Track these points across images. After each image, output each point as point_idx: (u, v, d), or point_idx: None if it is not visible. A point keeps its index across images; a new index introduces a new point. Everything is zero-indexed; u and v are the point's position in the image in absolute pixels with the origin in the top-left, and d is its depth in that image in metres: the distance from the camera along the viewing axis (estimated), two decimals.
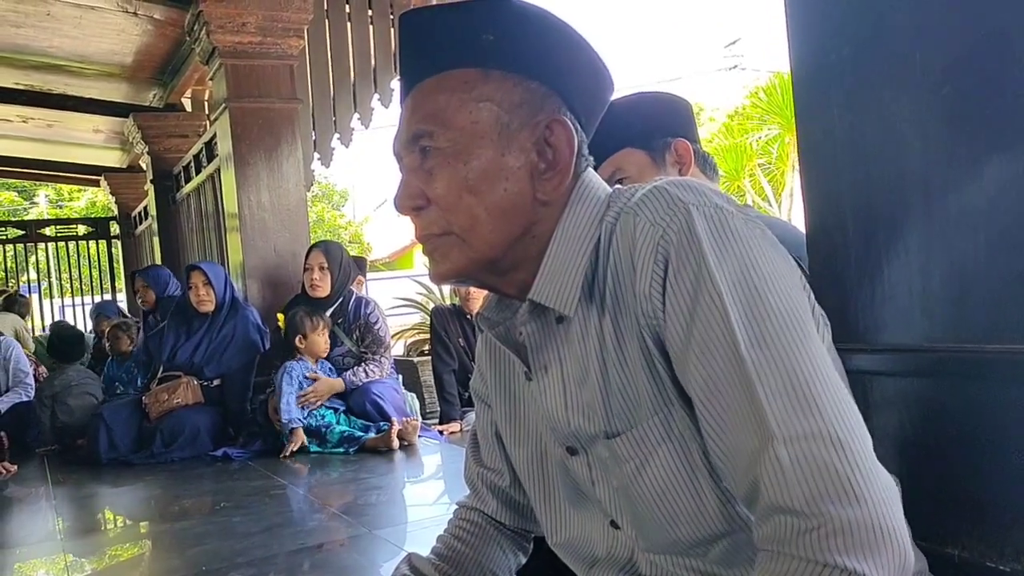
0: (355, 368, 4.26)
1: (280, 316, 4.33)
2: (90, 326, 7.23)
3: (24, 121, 7.44)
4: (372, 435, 3.90)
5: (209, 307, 4.47)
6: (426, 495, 3.23)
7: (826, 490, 0.71)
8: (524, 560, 1.17)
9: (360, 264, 5.32)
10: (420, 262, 26.06)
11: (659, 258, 0.81)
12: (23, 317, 7.99)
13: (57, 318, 11.30)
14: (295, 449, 3.84)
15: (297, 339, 4.11)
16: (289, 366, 4.06)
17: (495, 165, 0.89)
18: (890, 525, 0.71)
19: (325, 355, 4.24)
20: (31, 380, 5.21)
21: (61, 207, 25.23)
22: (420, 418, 4.63)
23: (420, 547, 2.31)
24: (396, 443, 3.81)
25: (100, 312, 6.68)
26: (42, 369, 5.72)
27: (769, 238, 0.84)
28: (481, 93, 0.89)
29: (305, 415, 3.98)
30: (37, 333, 9.05)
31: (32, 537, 2.96)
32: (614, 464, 0.89)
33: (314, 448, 3.90)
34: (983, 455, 1.02)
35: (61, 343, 5.25)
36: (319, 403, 4.06)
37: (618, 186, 0.96)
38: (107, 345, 5.37)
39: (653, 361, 0.84)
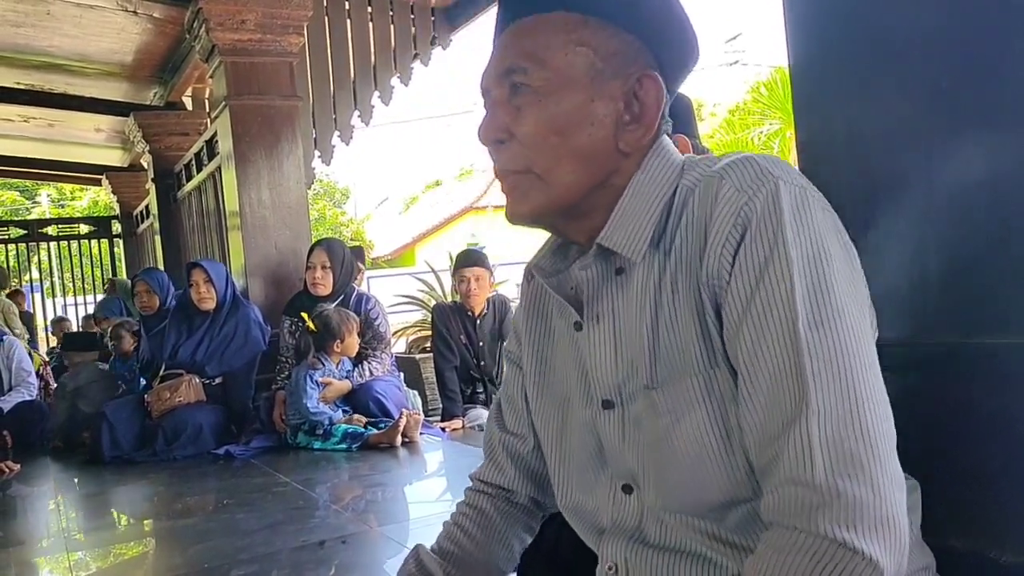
0: (358, 367, 4.27)
1: (305, 315, 4.30)
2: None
3: (25, 121, 7.45)
4: (375, 431, 3.91)
5: (210, 305, 4.47)
6: (428, 492, 3.23)
7: (844, 470, 0.74)
8: (529, 540, 1.17)
9: (358, 253, 5.32)
10: (422, 260, 26.11)
11: (738, 222, 0.83)
12: (16, 302, 8.09)
13: (59, 314, 11.35)
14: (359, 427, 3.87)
15: (335, 343, 4.10)
16: (310, 371, 4.04)
17: (583, 110, 0.90)
18: (895, 514, 0.74)
19: (355, 354, 4.24)
20: (34, 379, 5.23)
21: (63, 206, 25.25)
22: (423, 414, 4.64)
23: (422, 541, 2.33)
24: (400, 439, 3.81)
25: (102, 311, 6.66)
26: (48, 369, 5.73)
27: (841, 228, 0.86)
28: (579, 37, 0.91)
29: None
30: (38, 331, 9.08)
31: (36, 536, 2.98)
32: (650, 417, 0.90)
33: (316, 445, 3.91)
34: (982, 448, 1.02)
35: (75, 337, 5.29)
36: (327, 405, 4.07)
37: (691, 155, 0.97)
38: (110, 344, 5.37)
39: (706, 321, 0.86)
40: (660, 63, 0.94)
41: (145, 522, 3.06)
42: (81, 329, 6.76)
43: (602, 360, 0.95)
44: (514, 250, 25.63)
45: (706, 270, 0.85)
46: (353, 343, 4.17)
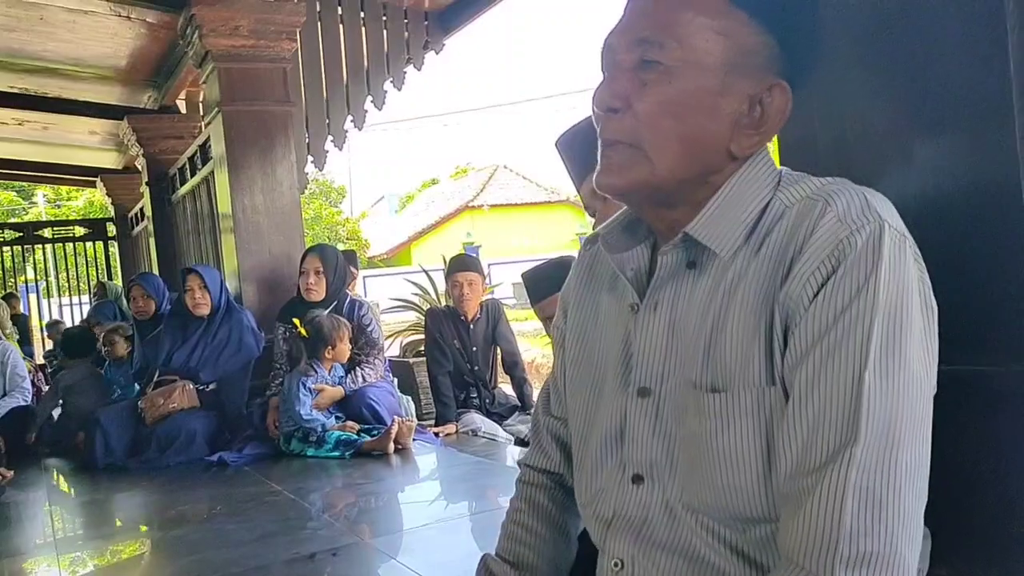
0: (351, 373, 4.28)
1: (297, 321, 4.31)
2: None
3: (19, 124, 7.45)
4: (368, 438, 3.91)
5: (205, 310, 4.48)
6: (421, 501, 3.23)
7: (870, 524, 0.76)
8: (582, 525, 1.15)
9: (351, 258, 5.33)
10: (417, 259, 26.11)
11: (834, 253, 0.82)
12: (10, 307, 8.09)
13: (54, 316, 11.36)
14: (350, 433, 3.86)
15: (327, 349, 4.11)
16: (303, 378, 4.05)
17: (708, 101, 0.89)
18: (905, 571, 0.77)
19: (346, 359, 4.25)
20: (28, 384, 5.22)
21: (59, 206, 25.24)
22: (416, 420, 4.65)
23: (413, 556, 2.35)
24: (392, 446, 3.82)
25: (96, 315, 6.64)
26: (41, 375, 5.73)
27: (927, 281, 0.86)
28: (724, 26, 0.89)
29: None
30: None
31: (28, 546, 2.98)
32: (694, 415, 0.90)
33: (310, 452, 3.91)
34: (969, 476, 1.02)
35: (71, 339, 5.29)
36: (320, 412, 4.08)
37: (789, 169, 0.97)
38: (103, 350, 5.38)
39: (772, 337, 0.86)
40: (791, 71, 0.93)
41: (136, 532, 3.08)
42: (80, 325, 6.72)
43: (652, 347, 0.95)
44: (509, 249, 25.71)
45: (787, 290, 0.84)
46: (344, 349, 4.18)
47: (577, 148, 1.78)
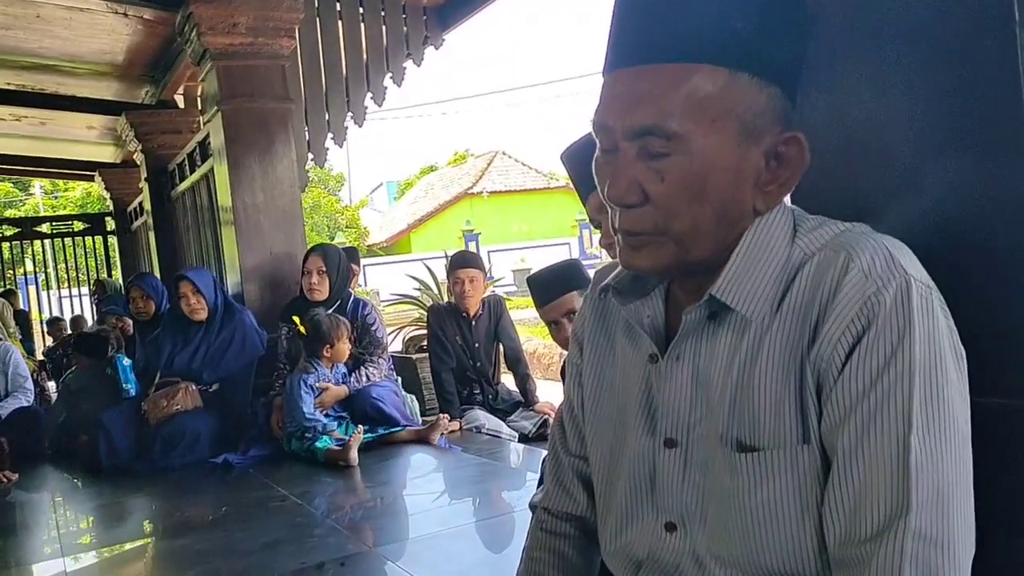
0: (355, 372, 4.27)
1: (296, 319, 4.30)
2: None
3: (17, 120, 7.41)
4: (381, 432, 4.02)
5: (202, 315, 4.46)
6: (427, 506, 3.21)
7: None
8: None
9: (351, 255, 5.32)
10: (416, 247, 26.09)
11: (863, 312, 0.81)
12: (11, 303, 8.12)
13: (58, 312, 11.36)
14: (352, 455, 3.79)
15: (324, 348, 4.10)
16: (304, 376, 4.05)
17: (729, 176, 0.86)
18: None
19: (346, 359, 4.24)
20: (30, 385, 5.21)
21: (57, 197, 25.18)
22: (419, 418, 4.65)
23: (420, 565, 2.35)
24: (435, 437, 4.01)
25: (108, 309, 6.54)
26: (44, 374, 5.72)
27: (954, 329, 0.84)
28: (730, 98, 0.84)
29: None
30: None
31: (34, 556, 2.97)
32: (724, 470, 0.88)
33: (323, 445, 3.87)
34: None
35: (86, 339, 5.24)
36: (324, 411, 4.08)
37: (797, 208, 0.94)
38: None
39: (805, 397, 0.84)
40: (792, 112, 0.90)
41: (144, 541, 3.07)
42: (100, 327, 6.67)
43: (676, 399, 0.93)
44: (508, 236, 25.68)
45: (818, 350, 0.83)
46: (344, 349, 4.16)
47: (582, 162, 1.77)
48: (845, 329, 0.81)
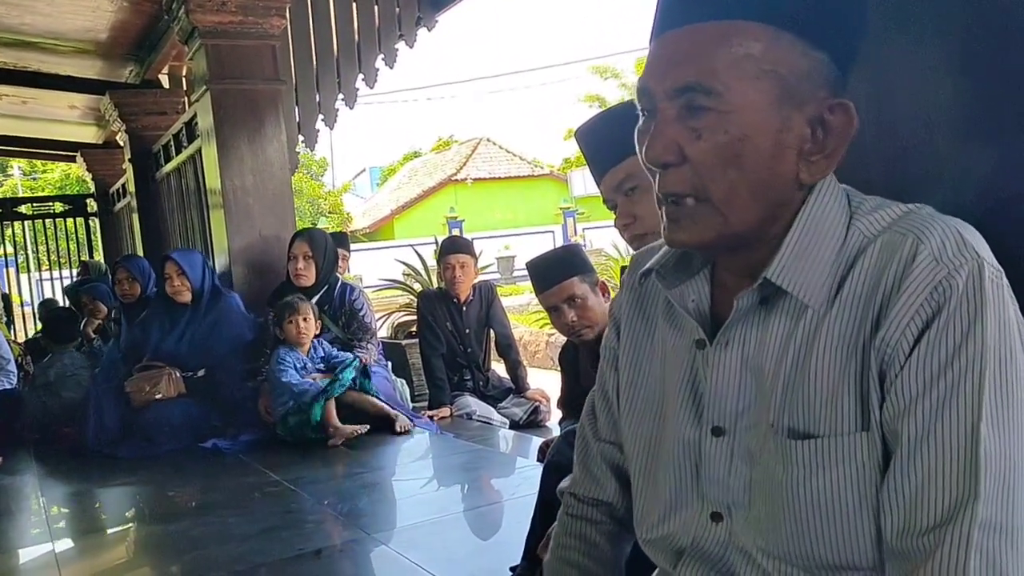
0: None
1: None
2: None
3: None
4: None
5: (186, 297, 4.38)
6: (422, 492, 3.17)
7: None
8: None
9: (341, 240, 5.25)
10: (400, 233, 25.94)
11: (933, 296, 0.78)
12: None
13: (38, 294, 11.20)
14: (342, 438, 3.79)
15: (288, 329, 4.05)
16: (279, 350, 4.01)
17: (769, 140, 0.83)
18: None
19: (306, 348, 4.15)
20: (13, 367, 5.11)
21: (36, 178, 24.86)
22: (410, 403, 4.62)
23: (417, 551, 2.33)
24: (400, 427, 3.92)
25: (91, 293, 6.41)
26: (29, 358, 5.62)
27: (1020, 317, 0.81)
28: (773, 57, 0.82)
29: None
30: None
31: (22, 542, 2.91)
32: (774, 460, 0.86)
33: (317, 417, 3.83)
34: None
35: (53, 323, 5.13)
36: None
37: (851, 189, 0.91)
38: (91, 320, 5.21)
39: (867, 384, 0.81)
40: (845, 84, 0.87)
41: (136, 527, 3.01)
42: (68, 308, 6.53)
43: (725, 386, 0.90)
44: (492, 223, 25.62)
45: (883, 336, 0.80)
46: (289, 331, 4.06)
47: (596, 140, 1.73)
48: (914, 314, 0.79)
